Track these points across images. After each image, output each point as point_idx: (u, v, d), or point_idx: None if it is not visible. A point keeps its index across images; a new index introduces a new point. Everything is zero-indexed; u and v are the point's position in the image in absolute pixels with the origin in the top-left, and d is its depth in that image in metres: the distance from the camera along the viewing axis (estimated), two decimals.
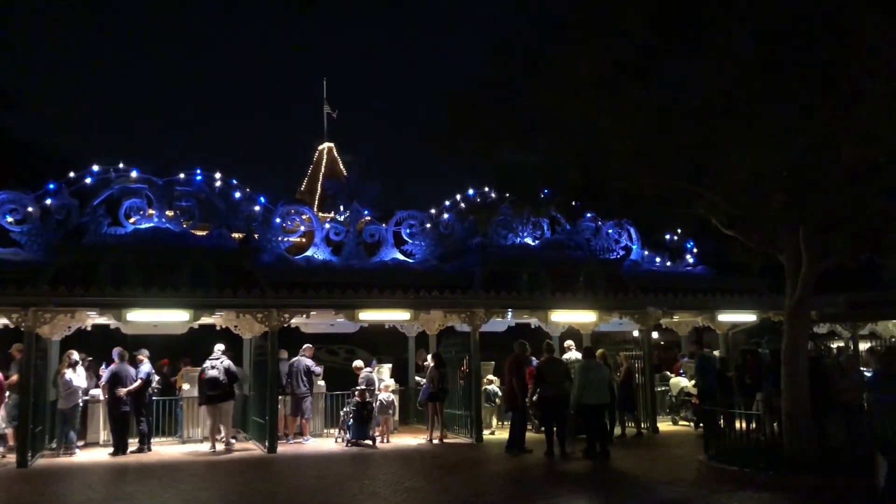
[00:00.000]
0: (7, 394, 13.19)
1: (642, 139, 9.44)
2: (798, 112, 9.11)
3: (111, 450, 13.76)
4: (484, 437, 15.16)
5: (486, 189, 18.11)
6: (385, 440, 15.05)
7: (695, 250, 19.83)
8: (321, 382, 16.17)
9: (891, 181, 10.13)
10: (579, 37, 9.26)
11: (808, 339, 13.34)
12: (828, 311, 18.02)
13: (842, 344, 21.15)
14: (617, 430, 15.32)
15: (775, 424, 12.38)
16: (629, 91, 9.03)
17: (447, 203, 17.88)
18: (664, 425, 16.99)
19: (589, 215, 18.07)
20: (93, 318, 14.49)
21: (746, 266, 13.96)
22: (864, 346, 21.75)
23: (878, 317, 20.35)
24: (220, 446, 14.28)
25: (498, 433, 15.73)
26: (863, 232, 11.38)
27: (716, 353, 18.18)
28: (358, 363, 16.02)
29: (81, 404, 14.09)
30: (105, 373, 14.00)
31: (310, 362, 15.40)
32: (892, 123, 9.03)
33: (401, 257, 16.90)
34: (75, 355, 13.82)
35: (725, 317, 17.62)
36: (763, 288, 18.46)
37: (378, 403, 15.17)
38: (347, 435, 14.78)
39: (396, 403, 16.36)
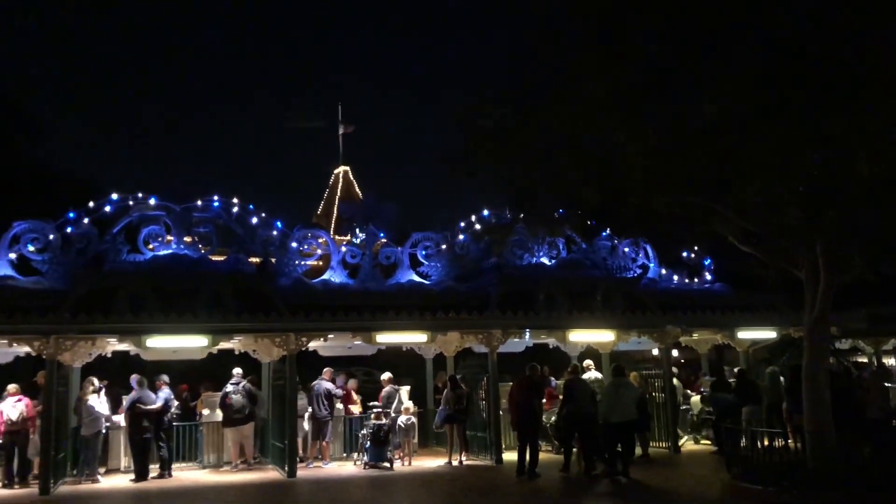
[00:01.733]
0: (38, 422, 13.29)
1: (657, 156, 9.46)
2: (813, 127, 9.09)
3: (132, 476, 13.81)
4: (504, 458, 15.04)
5: (501, 209, 18.15)
6: (406, 463, 15.00)
7: (712, 267, 19.70)
8: (339, 406, 16.18)
9: None
10: (594, 55, 9.31)
11: (829, 355, 13.20)
12: (849, 327, 17.82)
13: (865, 359, 20.88)
14: (638, 451, 15.17)
15: (797, 442, 12.23)
16: (644, 108, 9.07)
17: (462, 224, 17.92)
18: (686, 444, 16.80)
19: (605, 234, 18.03)
20: (113, 345, 14.61)
21: (764, 282, 13.87)
22: (888, 361, 21.48)
23: None
24: (239, 466, 14.35)
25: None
26: (881, 245, 11.30)
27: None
28: (386, 375, 15.96)
29: (104, 431, 14.18)
30: (126, 400, 14.09)
31: (330, 385, 15.42)
32: None
33: (417, 279, 16.94)
34: (96, 382, 13.94)
35: (745, 334, 17.45)
36: (782, 304, 18.28)
37: (398, 427, 15.15)
38: (365, 458, 14.75)
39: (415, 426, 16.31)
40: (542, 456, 13.75)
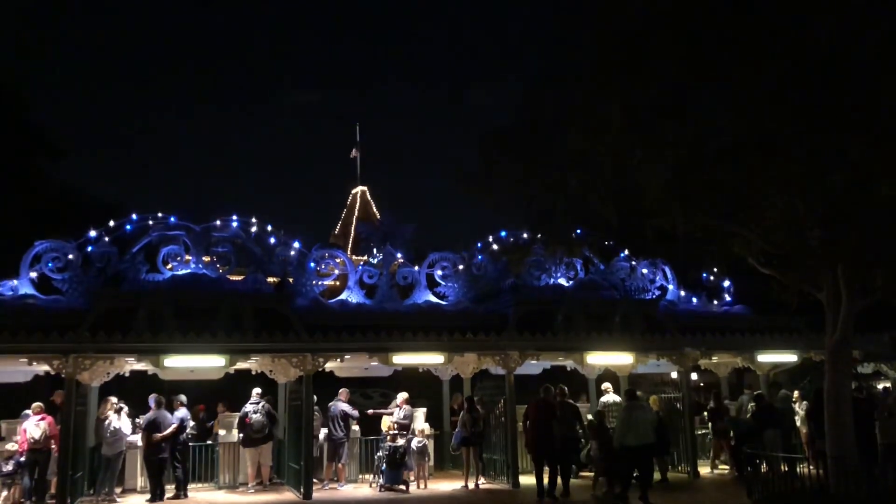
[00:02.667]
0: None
1: (675, 176, 9.42)
2: (833, 148, 9.03)
3: (148, 496, 13.80)
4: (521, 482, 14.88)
5: (519, 230, 18.11)
6: (422, 486, 14.89)
7: (732, 289, 19.53)
8: (356, 427, 16.13)
9: None
10: (611, 75, 9.33)
11: (851, 380, 13.02)
12: (871, 350, 17.57)
13: (888, 384, 20.54)
14: (657, 476, 14.99)
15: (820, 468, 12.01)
16: (662, 128, 9.05)
17: (480, 244, 17.90)
18: (704, 469, 16.57)
19: (623, 255, 17.94)
20: (131, 364, 14.68)
21: (785, 305, 13.72)
22: None
23: None
24: (255, 487, 14.32)
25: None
26: None
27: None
28: (402, 395, 15.85)
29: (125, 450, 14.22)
30: (143, 420, 14.12)
31: (346, 406, 15.37)
32: None
33: (434, 299, 16.91)
34: (115, 401, 13.99)
35: (765, 357, 17.25)
36: (803, 327, 18.06)
37: (413, 449, 15.07)
38: (381, 480, 14.66)
39: (431, 448, 16.21)
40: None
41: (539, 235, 16.93)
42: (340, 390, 15.62)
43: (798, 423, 16.57)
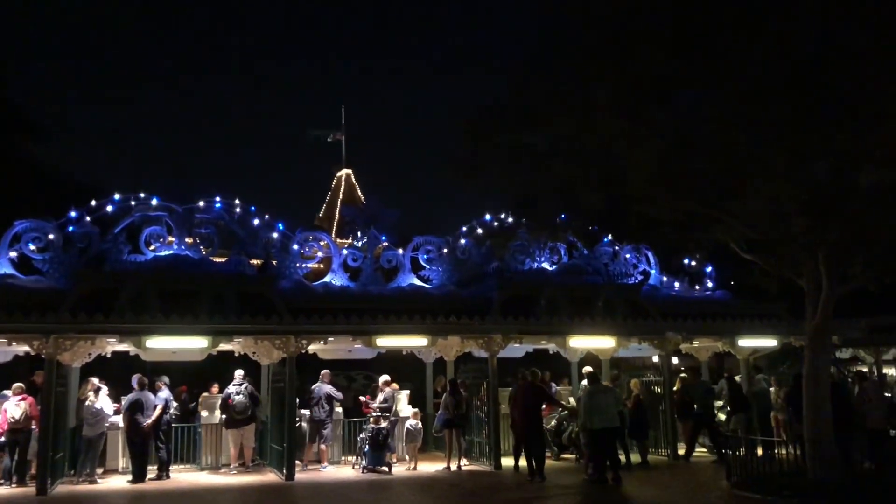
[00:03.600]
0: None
1: (661, 162, 9.45)
2: (818, 135, 9.08)
3: (130, 477, 13.77)
4: (503, 464, 15.00)
5: (503, 214, 18.14)
6: (412, 467, 14.96)
7: (714, 275, 19.68)
8: (339, 409, 16.16)
9: None
10: (598, 60, 9.31)
11: (829, 365, 13.20)
12: (850, 336, 17.80)
13: (865, 369, 20.85)
14: (636, 458, 15.18)
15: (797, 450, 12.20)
16: (648, 114, 9.06)
17: (464, 228, 17.91)
18: (683, 451, 16.75)
19: (606, 240, 18.02)
20: (113, 346, 14.60)
21: (766, 290, 13.85)
22: (888, 371, 21.43)
23: None
24: (237, 469, 14.35)
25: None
26: (884, 255, 11.29)
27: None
28: (384, 378, 15.89)
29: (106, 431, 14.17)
30: (125, 400, 14.06)
31: (330, 388, 15.38)
32: None
33: (418, 283, 16.92)
34: (96, 382, 13.92)
35: (746, 342, 17.43)
36: (784, 312, 18.27)
37: (405, 431, 15.16)
38: (364, 461, 14.71)
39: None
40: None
41: (524, 220, 16.97)
42: (323, 372, 15.62)
43: (774, 408, 16.80)
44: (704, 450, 16.84)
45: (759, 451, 12.81)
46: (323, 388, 15.25)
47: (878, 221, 10.27)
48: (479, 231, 17.80)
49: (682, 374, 17.24)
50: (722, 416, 16.46)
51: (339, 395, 15.72)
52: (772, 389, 17.09)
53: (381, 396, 15.43)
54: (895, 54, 8.26)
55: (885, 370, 20.62)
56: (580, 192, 10.83)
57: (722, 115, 9.40)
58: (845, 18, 8.29)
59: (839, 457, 11.39)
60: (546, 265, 17.22)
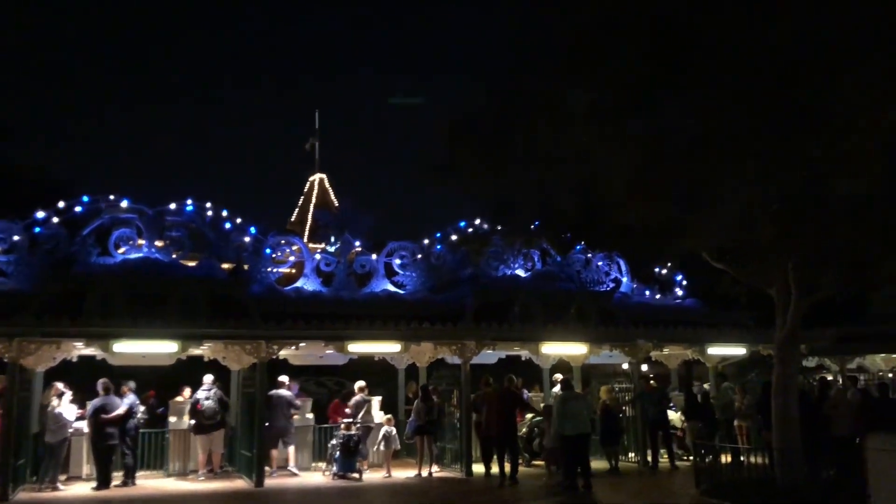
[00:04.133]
0: None
1: (637, 171, 9.50)
2: (790, 146, 9.20)
3: (94, 484, 13.50)
4: (474, 471, 14.97)
5: (478, 220, 18.15)
6: (386, 474, 14.84)
7: (685, 283, 19.88)
8: (309, 415, 16.02)
9: (880, 216, 10.20)
10: (575, 66, 9.34)
11: (797, 373, 13.38)
12: (817, 345, 18.07)
13: (831, 377, 21.18)
14: (605, 464, 15.26)
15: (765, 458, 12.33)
16: (625, 122, 9.10)
17: (439, 234, 17.88)
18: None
19: (579, 247, 18.11)
20: (79, 350, 14.32)
21: (736, 299, 14.00)
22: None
23: (865, 351, 20.45)
24: (205, 475, 14.15)
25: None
26: (852, 266, 11.46)
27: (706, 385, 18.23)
28: (360, 383, 15.76)
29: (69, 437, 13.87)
30: (90, 405, 13.79)
31: (288, 394, 15.17)
32: (882, 158, 9.14)
33: (392, 288, 16.84)
34: (61, 387, 13.63)
35: (715, 350, 17.62)
36: (753, 321, 18.50)
37: (381, 437, 15.07)
38: (334, 468, 14.58)
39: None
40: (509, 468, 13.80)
41: (498, 226, 16.98)
42: (281, 378, 15.32)
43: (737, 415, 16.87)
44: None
45: (728, 459, 12.93)
46: (282, 394, 15.01)
47: (846, 233, 10.43)
48: (454, 237, 17.78)
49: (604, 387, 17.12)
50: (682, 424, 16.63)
51: (299, 402, 15.54)
52: (735, 397, 17.25)
53: (352, 402, 15.32)
54: (866, 67, 8.39)
55: (860, 376, 20.87)
56: (556, 199, 10.86)
57: (697, 124, 9.46)
58: (819, 28, 8.39)
59: (807, 464, 11.53)
60: (520, 272, 17.25)
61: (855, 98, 8.42)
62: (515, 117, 10.09)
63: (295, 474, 14.79)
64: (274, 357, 14.30)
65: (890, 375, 22.05)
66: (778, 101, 8.70)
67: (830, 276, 11.78)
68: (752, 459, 12.47)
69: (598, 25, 9.40)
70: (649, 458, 16.12)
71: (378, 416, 15.98)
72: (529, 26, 10.64)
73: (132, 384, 14.36)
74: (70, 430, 13.84)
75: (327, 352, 16.00)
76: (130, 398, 14.08)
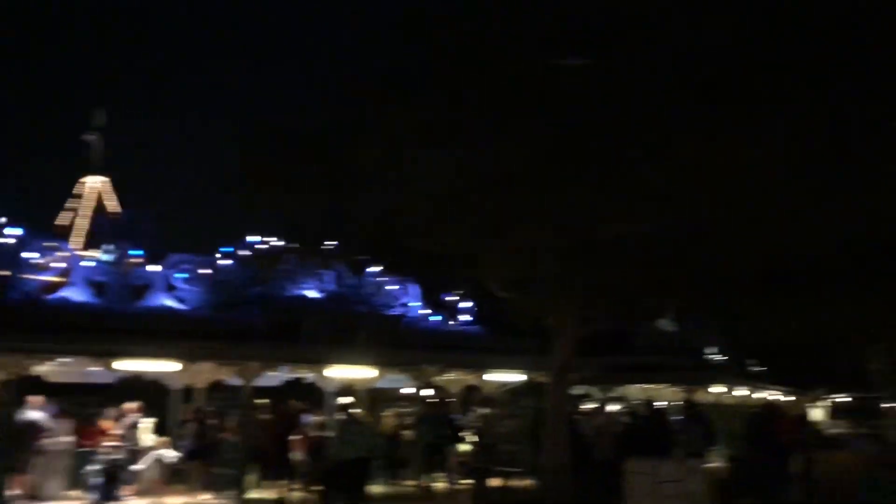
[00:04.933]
0: None
1: (437, 202, 9.70)
2: (575, 192, 9.84)
3: None
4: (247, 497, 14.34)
5: (272, 237, 17.62)
6: (157, 501, 13.75)
7: (474, 309, 20.60)
8: (67, 438, 14.51)
9: (642, 259, 11.18)
10: (394, 92, 9.35)
11: (568, 399, 14.27)
12: (586, 374, 19.42)
13: (596, 405, 22.84)
14: (386, 489, 15.30)
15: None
16: (426, 156, 9.23)
17: (230, 249, 17.11)
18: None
19: (373, 270, 18.18)
20: None
21: (519, 328, 14.72)
22: (611, 407, 23.66)
23: (629, 380, 22.33)
24: None
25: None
26: (619, 302, 12.50)
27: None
28: (130, 404, 14.48)
29: None
30: None
31: (37, 415, 13.64)
32: (650, 208, 10.04)
33: (172, 303, 15.82)
34: None
35: (493, 376, 18.33)
36: (533, 349, 19.50)
37: (153, 462, 13.95)
38: (94, 495, 13.28)
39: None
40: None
41: (292, 244, 16.63)
42: (30, 398, 13.76)
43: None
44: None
45: (499, 481, 13.46)
46: (27, 413, 13.46)
47: (617, 271, 11.35)
48: (245, 252, 17.12)
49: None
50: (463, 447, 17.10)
51: (53, 424, 14.03)
52: (505, 422, 17.97)
53: (120, 423, 14.08)
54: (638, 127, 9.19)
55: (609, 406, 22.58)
56: (359, 221, 10.79)
57: (490, 162, 9.77)
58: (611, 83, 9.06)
59: (574, 485, 12.28)
60: (312, 292, 16.95)
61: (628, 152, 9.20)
62: (327, 137, 9.93)
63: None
64: (27, 374, 12.81)
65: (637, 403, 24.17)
66: (569, 147, 9.27)
67: (601, 310, 12.74)
68: (522, 482, 13.08)
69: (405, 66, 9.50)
70: (430, 482, 16.36)
71: (149, 438, 14.84)
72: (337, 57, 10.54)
73: None
74: None
75: (94, 369, 14.64)
76: None
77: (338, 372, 16.18)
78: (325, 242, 14.24)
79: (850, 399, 37.17)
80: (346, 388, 18.08)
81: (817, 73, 8.38)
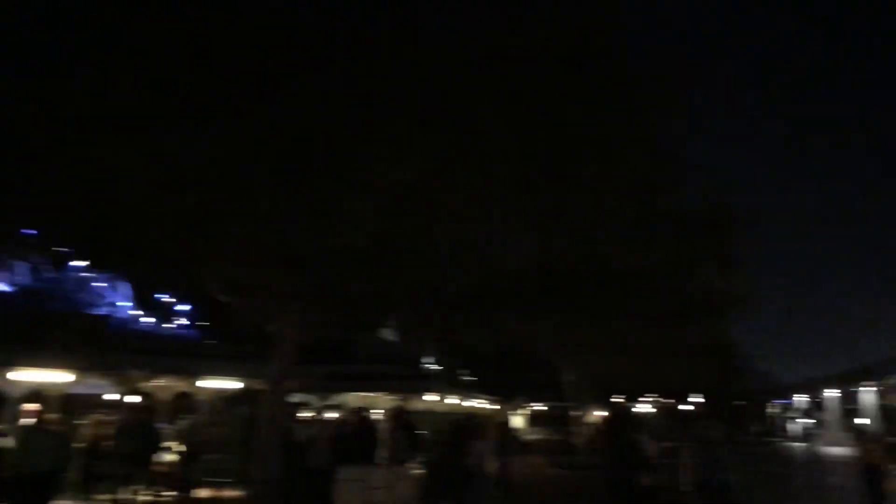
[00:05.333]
0: None
1: (152, 195, 9.00)
2: (301, 196, 9.70)
3: None
4: None
5: None
6: None
7: (192, 312, 19.62)
8: None
9: (364, 269, 11.39)
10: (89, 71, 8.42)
11: (285, 408, 14.09)
12: (305, 382, 19.37)
13: (313, 413, 22.86)
14: None
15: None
16: (148, 134, 8.46)
17: None
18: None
19: (79, 265, 16.56)
20: None
21: (240, 332, 14.24)
22: (328, 415, 23.86)
23: (348, 388, 22.66)
24: None
25: None
26: (345, 310, 12.62)
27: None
28: None
29: None
30: None
31: None
32: (374, 220, 10.24)
33: None
34: None
35: (207, 383, 17.57)
36: (252, 355, 19.00)
37: None
38: None
39: None
40: None
41: None
42: None
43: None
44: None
45: (207, 493, 12.94)
46: None
47: (341, 280, 11.44)
48: None
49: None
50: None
51: None
52: (212, 430, 17.30)
53: None
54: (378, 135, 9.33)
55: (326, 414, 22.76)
56: (65, 209, 9.63)
57: (205, 161, 9.23)
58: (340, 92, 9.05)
59: (285, 495, 12.14)
60: (2, 286, 14.99)
61: (362, 161, 9.29)
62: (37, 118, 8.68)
63: None
64: None
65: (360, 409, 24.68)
66: (296, 152, 9.12)
67: (323, 318, 12.77)
68: (232, 493, 12.66)
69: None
70: (130, 495, 15.18)
71: None
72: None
73: None
74: None
75: None
76: None
77: (25, 375, 14.42)
78: (22, 230, 12.61)
79: (545, 408, 41.28)
80: (35, 394, 16.23)
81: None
